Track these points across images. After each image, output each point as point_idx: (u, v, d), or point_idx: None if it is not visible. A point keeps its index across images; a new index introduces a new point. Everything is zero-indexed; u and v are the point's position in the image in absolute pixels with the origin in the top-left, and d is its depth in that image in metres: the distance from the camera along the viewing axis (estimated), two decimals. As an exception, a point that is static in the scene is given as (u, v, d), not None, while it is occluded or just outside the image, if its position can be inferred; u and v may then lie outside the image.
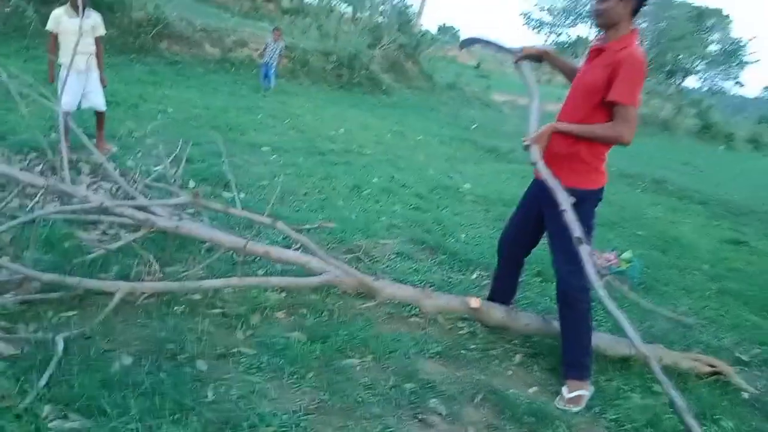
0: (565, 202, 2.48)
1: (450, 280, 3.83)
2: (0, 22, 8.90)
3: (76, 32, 4.61)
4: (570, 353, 2.81)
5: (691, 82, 54.93)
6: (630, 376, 2.98)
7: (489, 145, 9.92)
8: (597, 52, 2.67)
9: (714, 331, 3.89)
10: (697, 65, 52.61)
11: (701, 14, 47.64)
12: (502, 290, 3.28)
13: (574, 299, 2.76)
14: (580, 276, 2.49)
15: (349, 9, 22.31)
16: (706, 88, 53.00)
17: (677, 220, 7.13)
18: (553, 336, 3.06)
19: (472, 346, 3.00)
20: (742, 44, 50.95)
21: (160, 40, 10.83)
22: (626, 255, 4.62)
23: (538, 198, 2.89)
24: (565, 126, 2.68)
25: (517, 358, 2.99)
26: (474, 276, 4.00)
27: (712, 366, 3.12)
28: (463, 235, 4.79)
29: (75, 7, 4.58)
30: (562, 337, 2.84)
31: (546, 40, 48.21)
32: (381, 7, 18.51)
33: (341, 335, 2.78)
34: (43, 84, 3.44)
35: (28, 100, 3.56)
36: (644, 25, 44.92)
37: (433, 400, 2.49)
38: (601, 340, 3.10)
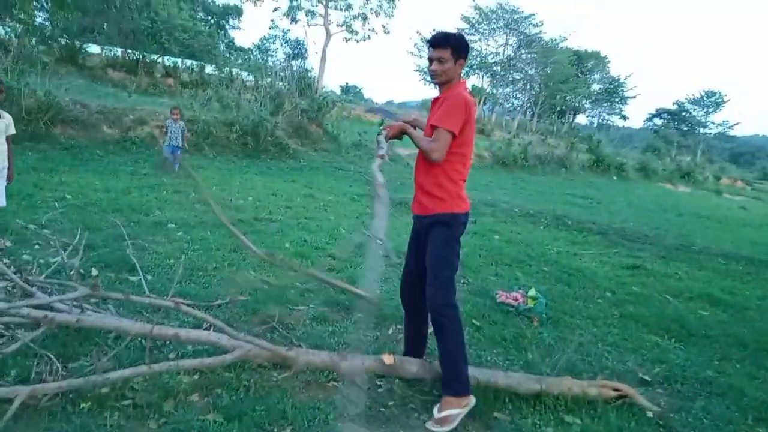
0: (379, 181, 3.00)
1: (366, 338, 3.89)
2: None
3: None
4: (445, 372, 3.03)
5: (581, 119, 59.02)
6: (543, 411, 3.12)
7: (398, 199, 10.18)
8: (435, 102, 3.13)
9: (618, 355, 4.13)
10: (584, 104, 56.67)
11: (581, 57, 51.68)
12: (414, 339, 3.41)
13: (441, 316, 3.00)
14: (444, 293, 3.00)
15: (250, 78, 22.57)
16: (595, 124, 57.03)
17: (578, 252, 7.55)
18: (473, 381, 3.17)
19: (391, 403, 3.06)
20: (621, 81, 55.48)
21: (54, 125, 10.53)
22: (532, 292, 4.86)
23: (417, 234, 3.22)
24: (412, 132, 3.20)
25: (436, 408, 3.06)
26: (390, 331, 4.08)
27: (617, 390, 3.31)
28: (377, 292, 4.88)
29: None
30: (440, 358, 3.06)
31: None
32: (281, 74, 18.78)
33: (258, 411, 2.76)
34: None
35: None
36: (532, 72, 48.11)
37: (355, 462, 2.51)
38: (511, 378, 3.24)
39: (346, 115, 19.98)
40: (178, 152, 10.13)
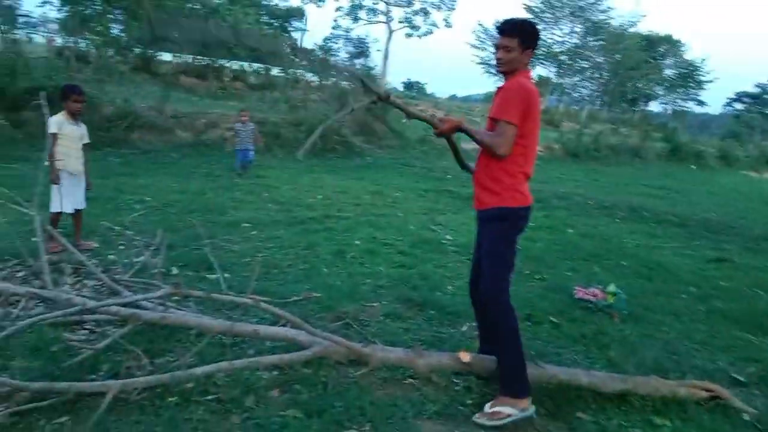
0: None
1: (441, 335, 3.84)
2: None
3: (73, 138, 4.82)
4: (502, 370, 2.94)
5: (654, 107, 56.57)
6: (630, 412, 3.00)
7: (465, 194, 10.06)
8: (497, 91, 2.94)
9: (707, 353, 3.93)
10: (656, 90, 54.30)
11: (652, 42, 49.54)
12: (486, 337, 3.32)
13: (495, 314, 2.94)
14: (495, 290, 2.90)
15: (315, 78, 22.89)
16: (669, 111, 54.57)
17: (658, 246, 7.24)
18: (548, 381, 3.08)
19: (469, 401, 3.00)
20: (697, 65, 52.86)
21: (132, 131, 11.01)
22: (611, 288, 4.68)
23: (479, 230, 3.11)
24: (468, 128, 2.86)
25: (489, 404, 2.98)
26: (464, 328, 4.02)
27: (708, 390, 3.14)
28: (450, 288, 4.84)
29: (72, 116, 4.87)
30: (498, 356, 2.99)
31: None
32: (345, 73, 18.96)
33: (337, 407, 2.77)
34: (19, 190, 3.49)
35: (3, 208, 3.62)
36: (600, 59, 46.50)
37: (436, 461, 2.47)
38: (594, 377, 3.12)
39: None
40: (250, 155, 10.00)
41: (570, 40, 46.45)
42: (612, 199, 10.90)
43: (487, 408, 2.85)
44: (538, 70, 47.05)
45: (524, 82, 2.86)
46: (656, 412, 3.00)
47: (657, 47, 51.02)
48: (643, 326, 4.30)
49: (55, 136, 4.77)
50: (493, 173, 2.91)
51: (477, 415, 2.85)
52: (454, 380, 3.20)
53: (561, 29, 46.29)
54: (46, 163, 4.68)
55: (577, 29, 46.21)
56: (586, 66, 48.71)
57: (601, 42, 45.70)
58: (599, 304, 4.57)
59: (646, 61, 46.74)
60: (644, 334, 4.13)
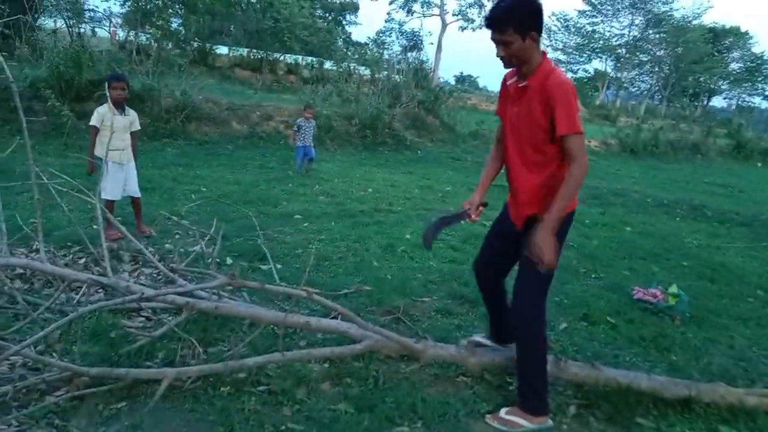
0: None
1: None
2: (39, 121, 9.38)
3: (118, 128, 4.91)
4: (524, 387, 2.75)
5: (718, 102, 54.33)
6: (694, 420, 2.86)
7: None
8: (522, 90, 2.63)
9: (777, 361, 3.72)
10: (720, 85, 52.14)
11: (717, 35, 47.55)
12: (497, 322, 3.24)
13: (532, 330, 2.73)
14: (540, 305, 2.71)
15: (367, 71, 22.91)
16: (734, 107, 52.29)
17: (722, 246, 6.93)
18: (606, 383, 2.97)
19: (523, 401, 2.92)
20: (765, 59, 50.41)
21: (189, 122, 11.24)
22: (672, 289, 4.49)
23: (512, 226, 2.89)
24: (555, 213, 2.50)
25: (571, 410, 2.90)
26: (517, 326, 3.92)
27: (780, 400, 2.97)
28: (503, 285, 4.73)
29: (117, 106, 4.93)
30: (518, 370, 2.80)
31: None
32: (397, 66, 18.91)
33: (388, 403, 2.75)
34: (83, 179, 3.59)
35: (68, 196, 3.73)
36: (660, 52, 45.01)
37: (489, 462, 2.41)
38: (655, 382, 2.99)
39: (462, 105, 19.75)
40: (312, 152, 9.54)
41: (629, 33, 45.07)
42: (671, 196, 10.51)
43: (503, 414, 2.73)
44: (595, 64, 45.90)
45: (564, 77, 2.52)
46: (723, 421, 2.85)
47: (722, 40, 48.93)
48: (706, 330, 4.11)
49: (94, 128, 4.88)
50: (548, 188, 2.63)
51: (489, 416, 2.74)
52: (508, 380, 3.12)
53: (620, 21, 45.00)
54: (91, 157, 4.78)
55: (637, 21, 44.79)
56: (646, 60, 47.19)
57: (663, 35, 44.16)
58: (659, 306, 4.40)
59: (710, 55, 44.90)
60: (708, 338, 3.95)
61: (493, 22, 2.52)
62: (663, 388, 2.97)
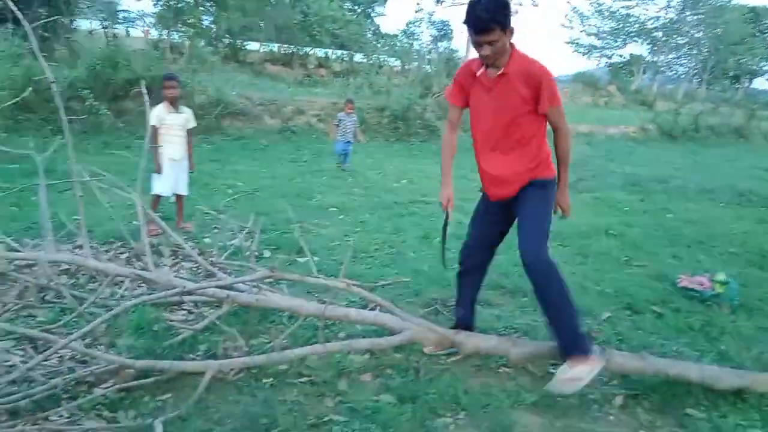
0: None
1: (535, 323, 3.69)
2: (78, 120, 9.59)
3: (173, 126, 5.00)
4: (563, 334, 2.79)
5: (760, 84, 52.51)
6: (747, 411, 2.76)
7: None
8: (500, 78, 2.78)
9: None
10: (763, 66, 50.40)
11: (759, 14, 45.96)
12: (470, 304, 3.31)
13: (548, 273, 2.80)
14: (547, 248, 2.83)
15: (398, 63, 22.84)
16: (777, 88, 50.51)
17: (769, 232, 6.70)
18: (653, 374, 2.89)
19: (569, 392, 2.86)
20: (810, 38, 48.53)
21: (224, 118, 11.37)
22: (720, 277, 4.35)
23: (495, 207, 3.11)
24: (567, 177, 3.04)
25: (618, 400, 2.83)
26: (559, 316, 3.85)
27: (838, 390, 2.85)
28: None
29: (172, 104, 5.04)
30: (550, 322, 2.84)
31: (597, 64, 47.40)
32: (428, 56, 18.82)
33: (430, 394, 2.72)
34: (123, 177, 3.64)
35: (110, 193, 3.79)
36: (698, 34, 43.74)
37: (535, 454, 2.37)
38: (706, 372, 2.90)
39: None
40: (349, 148, 9.29)
41: (665, 15, 43.86)
42: (714, 182, 10.20)
43: (564, 375, 2.73)
44: (630, 48, 44.86)
45: (541, 64, 2.78)
46: (778, 412, 2.75)
47: (764, 19, 47.23)
48: (757, 319, 3.97)
49: (153, 127, 4.95)
50: (538, 153, 2.92)
51: (555, 383, 2.74)
52: (551, 370, 3.07)
53: (656, 3, 43.86)
54: (146, 149, 4.86)
55: (674, 3, 43.53)
56: (683, 42, 45.90)
57: (701, 16, 42.85)
58: (706, 294, 4.26)
59: (751, 35, 43.42)
60: (760, 327, 3.81)
61: (481, 25, 2.59)
62: (714, 379, 2.87)
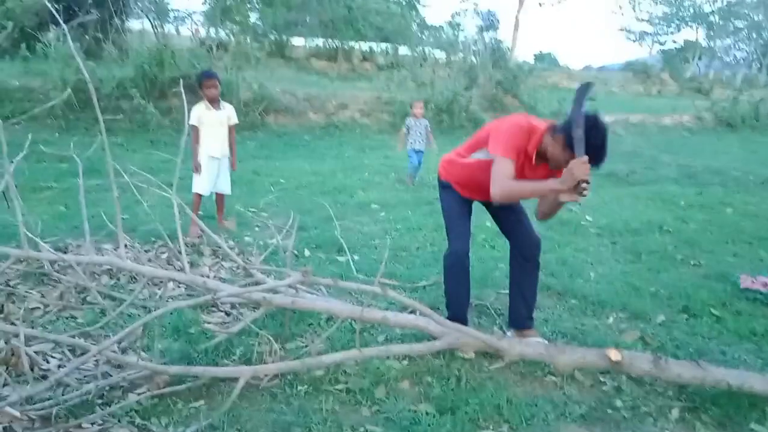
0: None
1: (583, 327, 3.52)
2: (126, 119, 9.79)
3: (213, 124, 4.97)
4: (532, 307, 3.29)
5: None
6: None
7: (606, 170, 9.38)
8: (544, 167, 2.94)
9: None
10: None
11: (825, -6, 43.56)
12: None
13: (538, 258, 3.28)
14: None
15: (443, 55, 22.55)
16: None
17: (840, 227, 6.27)
18: (713, 384, 2.69)
19: (619, 404, 2.69)
20: None
21: (267, 114, 11.43)
22: (786, 277, 4.07)
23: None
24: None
25: (674, 413, 2.64)
26: (610, 320, 3.66)
27: None
28: (592, 274, 4.46)
29: (212, 102, 4.98)
30: (528, 294, 3.27)
31: (650, 51, 45.89)
32: (473, 48, 18.49)
33: (471, 404, 2.59)
34: (167, 175, 3.62)
35: (151, 192, 3.78)
36: (758, 17, 41.82)
37: (583, 472, 2.22)
38: (751, 379, 2.68)
39: (542, 83, 19.09)
40: (420, 158, 7.83)
41: (723, -2, 42.02)
42: (779, 173, 9.67)
43: (542, 339, 3.18)
44: (685, 34, 43.17)
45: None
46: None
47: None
48: (830, 323, 3.68)
49: (194, 127, 4.94)
50: None
51: (535, 338, 3.14)
52: (601, 379, 2.90)
53: (712, -14, 42.03)
54: (182, 147, 4.86)
55: (731, -15, 41.70)
56: (741, 26, 43.93)
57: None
58: (770, 295, 3.99)
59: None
60: (832, 332, 3.53)
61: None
62: (761, 386, 2.65)
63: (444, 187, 3.34)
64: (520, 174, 2.89)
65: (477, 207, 3.35)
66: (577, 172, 2.51)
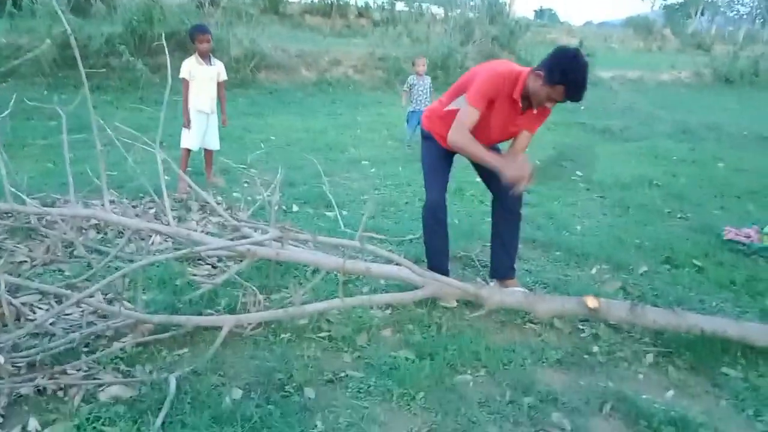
0: None
1: (567, 278, 3.58)
2: (116, 77, 9.66)
3: (203, 79, 4.92)
4: (514, 258, 3.33)
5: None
6: (787, 370, 2.60)
7: (600, 126, 9.36)
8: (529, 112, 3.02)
9: None
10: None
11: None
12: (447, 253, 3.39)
13: (519, 210, 3.30)
14: None
15: (440, 10, 22.13)
16: None
17: (830, 181, 6.29)
18: (687, 330, 2.74)
19: (596, 350, 2.76)
20: None
21: (259, 71, 11.26)
22: (769, 229, 4.11)
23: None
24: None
25: (648, 358, 2.71)
26: (593, 271, 3.72)
27: None
28: (579, 227, 4.50)
29: (203, 57, 4.93)
30: (509, 245, 3.31)
31: (652, 6, 45.10)
32: (471, 3, 18.13)
33: (450, 350, 2.65)
34: (154, 132, 3.59)
35: (138, 148, 3.77)
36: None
37: (556, 414, 2.29)
38: (746, 329, 2.74)
39: (540, 40, 18.81)
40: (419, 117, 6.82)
41: (727, -50, 41.17)
42: (773, 128, 9.63)
43: (523, 288, 3.20)
44: (688, -12, 42.34)
45: None
46: (821, 375, 2.58)
47: (837, -49, 43.82)
48: (810, 275, 3.73)
49: (184, 80, 4.90)
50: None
51: (518, 288, 3.14)
52: (580, 326, 2.96)
53: (716, -62, 41.08)
54: (165, 103, 4.82)
55: (737, -64, 40.79)
56: (746, -21, 43.09)
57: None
58: (753, 247, 4.04)
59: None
60: (809, 282, 3.59)
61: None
62: (754, 335, 2.71)
63: (425, 137, 3.34)
64: (506, 119, 2.97)
65: (463, 160, 3.34)
66: (524, 173, 2.75)
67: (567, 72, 2.65)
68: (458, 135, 2.87)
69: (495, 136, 3.08)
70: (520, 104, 2.92)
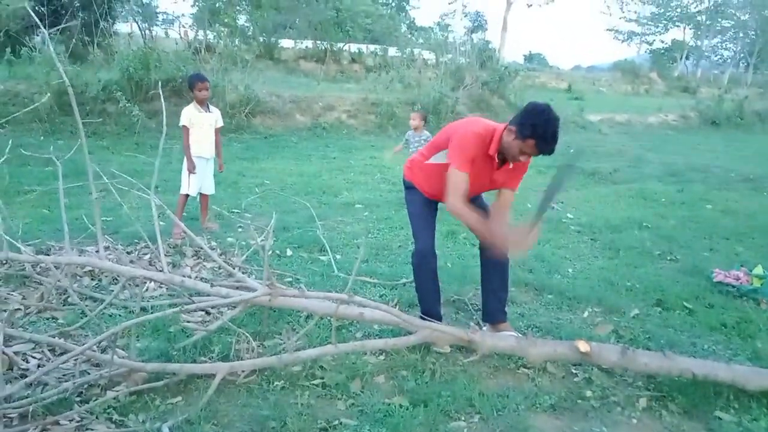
0: None
1: (559, 321, 3.60)
2: (112, 122, 9.79)
3: (203, 125, 5.02)
4: (504, 301, 3.38)
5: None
6: (780, 413, 2.61)
7: (590, 168, 9.49)
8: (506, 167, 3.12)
9: None
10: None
11: (809, -7, 43.98)
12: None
13: (507, 254, 3.22)
14: None
15: (432, 56, 22.62)
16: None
17: (816, 223, 6.38)
18: (679, 374, 2.76)
19: (589, 394, 2.77)
20: None
21: (254, 116, 11.44)
22: (758, 270, 4.16)
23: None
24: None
25: (642, 402, 2.72)
26: (585, 314, 3.74)
27: None
28: (570, 270, 4.54)
29: (202, 104, 5.04)
30: (499, 289, 3.35)
31: (638, 50, 46.20)
32: (462, 48, 18.57)
33: (444, 396, 2.65)
34: (150, 177, 3.64)
35: (135, 194, 3.82)
36: (745, 17, 42.18)
37: (550, 460, 2.28)
38: (737, 372, 2.76)
39: (530, 83, 19.20)
40: None
41: (709, -2, 42.39)
42: (759, 170, 9.80)
43: (516, 333, 3.21)
44: (672, 34, 43.48)
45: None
46: (815, 418, 2.59)
47: (815, -2, 45.19)
48: (798, 316, 3.77)
49: (185, 128, 4.99)
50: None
51: (509, 332, 3.21)
52: (573, 371, 2.97)
53: (698, -14, 42.38)
54: (161, 149, 4.88)
55: (718, -16, 42.08)
56: (729, 25, 44.31)
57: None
58: (743, 289, 4.08)
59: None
60: (799, 324, 3.62)
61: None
62: (745, 379, 2.73)
63: (408, 187, 3.42)
64: (483, 176, 3.06)
65: None
66: (521, 246, 2.99)
67: (537, 126, 2.76)
68: (458, 204, 2.94)
69: (473, 190, 3.12)
70: (497, 160, 3.02)
